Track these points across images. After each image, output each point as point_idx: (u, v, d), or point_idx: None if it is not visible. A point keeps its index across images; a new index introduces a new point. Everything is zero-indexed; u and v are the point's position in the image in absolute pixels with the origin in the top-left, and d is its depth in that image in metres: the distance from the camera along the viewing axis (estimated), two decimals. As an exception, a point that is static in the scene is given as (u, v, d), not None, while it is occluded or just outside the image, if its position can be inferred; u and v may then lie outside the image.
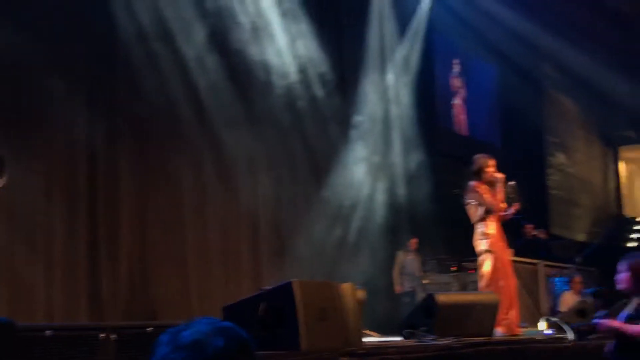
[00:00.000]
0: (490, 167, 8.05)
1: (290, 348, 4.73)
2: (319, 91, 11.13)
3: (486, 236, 7.94)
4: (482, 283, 8.01)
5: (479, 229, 8.01)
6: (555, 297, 12.11)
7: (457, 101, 16.11)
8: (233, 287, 9.51)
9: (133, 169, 8.67)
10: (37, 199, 7.54)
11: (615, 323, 5.20)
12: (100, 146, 8.26)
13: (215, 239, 9.58)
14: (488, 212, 7.96)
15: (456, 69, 16.13)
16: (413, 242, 11.88)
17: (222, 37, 9.67)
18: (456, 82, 16.12)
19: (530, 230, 13.76)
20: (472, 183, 8.05)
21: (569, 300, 11.61)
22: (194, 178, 9.39)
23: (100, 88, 8.41)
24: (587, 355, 7.75)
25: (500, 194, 8.01)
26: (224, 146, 9.66)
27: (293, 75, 10.66)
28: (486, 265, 7.95)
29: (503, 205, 8.07)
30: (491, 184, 8.02)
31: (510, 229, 12.79)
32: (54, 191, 7.77)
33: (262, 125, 10.39)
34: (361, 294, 5.99)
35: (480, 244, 8.00)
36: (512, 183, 8.20)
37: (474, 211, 8.02)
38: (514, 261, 10.89)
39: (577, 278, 12.02)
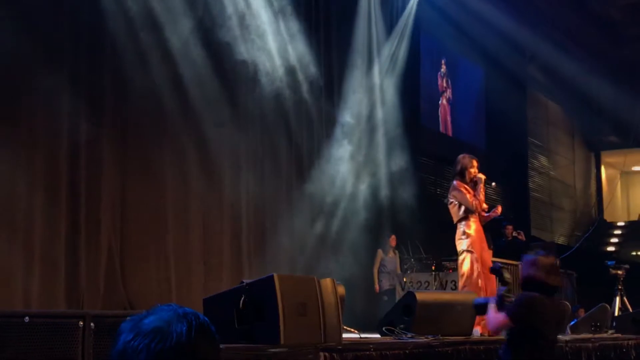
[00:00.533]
0: (474, 167, 8.11)
1: (269, 342, 4.72)
2: (304, 89, 11.13)
3: (466, 236, 8.00)
4: (461, 282, 8.07)
5: (460, 228, 8.07)
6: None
7: (443, 102, 16.15)
8: (213, 279, 9.48)
9: (115, 160, 8.63)
10: (17, 187, 7.48)
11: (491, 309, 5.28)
12: (82, 137, 8.20)
13: (197, 232, 9.55)
14: (469, 212, 8.01)
15: (443, 69, 16.17)
16: (392, 239, 11.93)
17: (209, 31, 9.64)
18: (442, 83, 16.17)
19: (510, 231, 13.83)
20: (455, 182, 8.11)
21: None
22: (177, 171, 9.35)
23: (84, 78, 8.35)
24: (564, 357, 7.80)
25: (482, 194, 8.08)
26: (208, 141, 9.64)
27: (279, 72, 10.64)
28: (465, 264, 8.01)
29: (485, 205, 8.14)
30: (474, 184, 8.08)
31: (492, 230, 12.89)
32: (34, 180, 7.70)
33: (247, 121, 10.38)
34: (342, 289, 5.98)
35: (461, 244, 8.06)
36: (494, 184, 8.29)
37: (456, 211, 8.07)
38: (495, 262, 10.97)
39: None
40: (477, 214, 8.12)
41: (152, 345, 1.62)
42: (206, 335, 1.69)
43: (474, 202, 7.96)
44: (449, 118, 16.28)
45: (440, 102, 16.11)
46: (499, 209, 8.37)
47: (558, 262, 5.27)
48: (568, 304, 10.03)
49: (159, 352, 1.61)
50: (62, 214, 7.89)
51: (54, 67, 7.90)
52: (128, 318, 1.68)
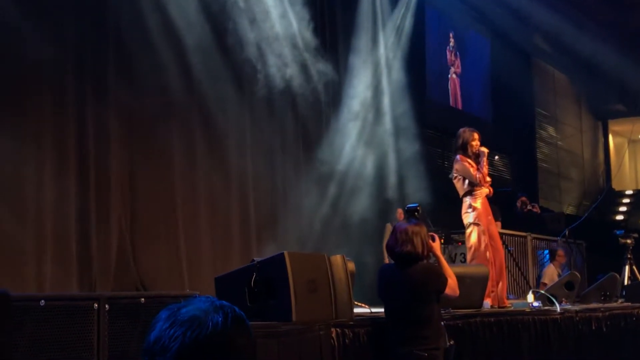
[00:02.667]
0: (475, 141, 8.13)
1: (281, 319, 4.76)
2: (310, 65, 11.09)
3: (472, 209, 8.04)
4: (469, 255, 8.12)
5: (466, 202, 8.12)
6: (541, 269, 12.23)
7: (452, 75, 16.10)
8: (223, 258, 9.52)
9: (123, 140, 8.63)
10: (26, 170, 7.51)
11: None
12: (89, 117, 8.21)
13: (205, 211, 9.57)
14: (473, 185, 8.05)
15: (451, 43, 16.10)
16: (400, 213, 11.95)
17: (216, 10, 9.60)
18: (451, 56, 16.11)
19: (524, 202, 13.83)
20: (458, 156, 8.15)
21: (551, 273, 11.73)
22: (184, 150, 9.36)
23: (90, 54, 8.34)
24: (574, 327, 7.85)
25: (486, 167, 8.09)
26: (215, 119, 9.63)
27: (285, 50, 10.60)
28: (473, 237, 8.06)
29: (488, 178, 8.17)
30: (476, 157, 8.10)
31: (503, 203, 12.90)
32: (42, 162, 7.72)
33: (253, 99, 10.35)
34: (351, 265, 6.02)
35: (467, 217, 8.12)
36: (497, 157, 8.31)
37: (461, 185, 8.11)
38: (503, 234, 11.00)
39: (560, 251, 12.14)
40: (481, 187, 8.15)
41: (188, 333, 1.65)
42: (242, 327, 1.72)
43: (477, 175, 7.99)
44: (458, 91, 16.23)
45: (449, 75, 16.07)
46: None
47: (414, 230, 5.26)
48: (577, 273, 10.06)
49: (195, 340, 1.65)
50: (71, 196, 7.91)
51: (59, 46, 7.90)
52: (167, 306, 1.72)
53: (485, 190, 8.12)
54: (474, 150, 8.11)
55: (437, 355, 5.06)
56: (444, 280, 5.20)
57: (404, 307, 5.14)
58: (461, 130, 8.33)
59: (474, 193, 8.06)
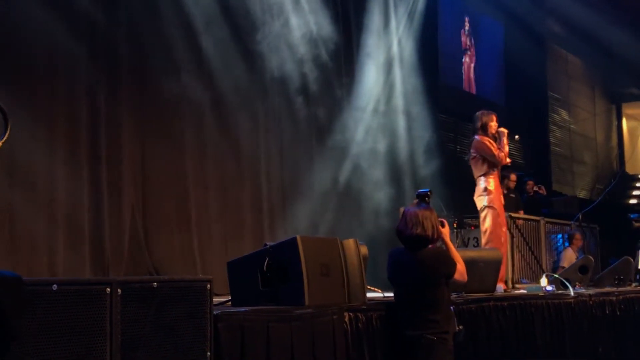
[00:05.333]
0: (494, 122, 8.21)
1: (294, 303, 4.75)
2: (322, 48, 11.04)
3: (487, 192, 8.06)
4: (484, 238, 8.11)
5: (481, 185, 8.13)
6: (557, 253, 12.19)
7: (467, 59, 16.01)
8: (235, 243, 9.52)
9: (135, 126, 8.63)
10: (38, 154, 7.51)
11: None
12: (102, 104, 8.21)
13: (217, 195, 9.57)
14: (492, 167, 8.06)
15: (466, 27, 16.01)
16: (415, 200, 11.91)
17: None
18: (466, 40, 16.02)
19: (531, 186, 13.80)
20: (478, 137, 8.14)
21: (570, 256, 11.70)
22: (195, 133, 9.35)
23: (103, 42, 8.32)
24: (587, 311, 7.81)
25: (506, 147, 8.14)
26: (226, 102, 9.61)
27: (296, 29, 10.56)
28: (487, 220, 8.07)
29: (508, 160, 8.22)
30: (496, 138, 8.13)
31: (516, 187, 12.84)
32: (54, 146, 7.73)
33: (265, 81, 10.32)
34: (364, 249, 6.00)
35: (482, 200, 8.12)
36: (517, 137, 8.36)
37: (479, 165, 8.12)
38: (516, 218, 10.96)
39: (578, 235, 12.10)
40: (497, 171, 8.16)
41: None
42: (6, 287, 1.72)
43: (500, 155, 8.02)
44: (472, 76, 16.15)
45: (463, 59, 15.98)
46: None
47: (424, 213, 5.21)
48: (591, 257, 10.01)
49: None
50: (83, 183, 7.92)
51: (72, 35, 7.88)
52: None
53: (497, 172, 8.14)
54: (493, 132, 8.16)
55: (446, 339, 5.05)
56: (453, 265, 5.19)
57: (413, 290, 5.14)
58: (479, 112, 8.38)
59: (489, 175, 8.07)
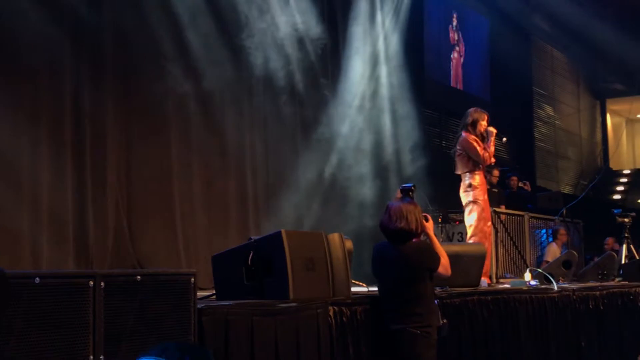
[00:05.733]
0: (484, 121, 8.25)
1: (278, 297, 4.75)
2: (307, 38, 11.02)
3: (472, 187, 8.10)
4: (469, 234, 8.15)
5: (465, 180, 8.17)
6: (541, 248, 12.25)
7: (455, 55, 16.03)
8: (220, 237, 9.50)
9: (120, 118, 8.59)
10: (22, 147, 7.46)
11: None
12: (86, 96, 8.16)
13: (202, 189, 9.55)
14: (476, 164, 8.10)
15: (454, 23, 16.03)
16: (398, 192, 11.92)
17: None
18: (454, 36, 16.04)
19: (515, 182, 13.85)
20: (465, 134, 8.19)
21: (554, 251, 11.76)
22: (180, 127, 9.32)
23: (87, 32, 8.27)
24: (571, 305, 7.86)
25: (492, 147, 8.18)
26: (211, 96, 9.58)
27: (282, 27, 10.54)
28: (472, 216, 8.12)
29: (493, 160, 8.26)
30: (484, 137, 8.18)
31: (500, 182, 12.90)
32: (38, 139, 7.68)
33: (250, 75, 10.30)
34: (349, 243, 6.01)
35: (467, 196, 8.17)
36: (504, 139, 8.40)
37: (465, 162, 8.16)
38: (500, 213, 11.01)
39: (562, 230, 12.17)
40: (483, 167, 8.21)
41: None
42: None
43: (484, 155, 8.04)
44: (460, 71, 16.18)
45: (451, 55, 16.00)
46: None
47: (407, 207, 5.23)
48: (575, 252, 10.07)
49: None
50: (67, 176, 7.88)
51: (56, 26, 7.83)
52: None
53: (482, 169, 8.21)
54: (482, 130, 8.20)
55: (429, 333, 5.07)
56: (437, 259, 5.20)
57: (397, 284, 5.16)
58: (471, 109, 8.44)
59: (474, 171, 8.11)
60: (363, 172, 11.87)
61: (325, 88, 11.71)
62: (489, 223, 8.40)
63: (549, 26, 20.12)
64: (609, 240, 13.51)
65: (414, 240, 5.21)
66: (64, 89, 8.00)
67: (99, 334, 3.53)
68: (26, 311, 3.27)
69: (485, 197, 8.24)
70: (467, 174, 8.15)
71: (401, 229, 5.12)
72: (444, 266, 5.24)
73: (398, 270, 5.14)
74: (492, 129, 8.23)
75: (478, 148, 8.08)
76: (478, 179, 8.16)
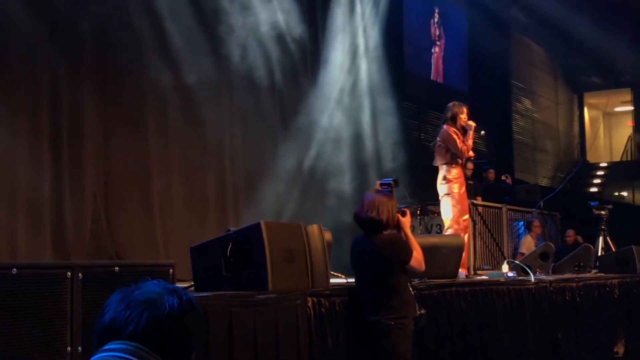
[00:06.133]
0: (464, 114, 8.34)
1: (257, 288, 4.75)
2: (287, 30, 10.99)
3: (447, 180, 8.19)
4: (446, 226, 8.22)
5: (442, 172, 8.26)
6: (518, 240, 12.33)
7: (436, 49, 16.07)
8: (199, 228, 9.47)
9: (98, 109, 8.53)
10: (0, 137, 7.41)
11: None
12: (63, 87, 8.10)
13: (181, 180, 9.51)
14: (454, 157, 8.17)
15: (436, 18, 16.06)
16: (377, 184, 11.94)
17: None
18: (435, 31, 16.07)
19: (492, 175, 13.92)
20: (445, 127, 8.28)
21: (529, 243, 11.84)
22: (159, 118, 9.27)
23: (64, 24, 8.20)
24: (548, 297, 7.92)
25: (471, 140, 8.25)
26: (190, 87, 9.53)
27: (261, 14, 10.50)
28: (447, 208, 8.20)
29: (471, 153, 8.34)
30: (463, 130, 8.26)
31: (474, 175, 12.96)
32: (16, 130, 7.61)
33: (229, 67, 10.25)
34: (328, 235, 6.01)
35: (442, 188, 8.26)
36: (482, 133, 8.47)
37: (443, 154, 8.24)
38: (478, 205, 11.06)
39: (536, 222, 12.25)
40: (460, 160, 8.28)
41: (144, 315, 1.67)
42: (194, 310, 1.75)
43: (462, 147, 8.12)
44: (440, 65, 16.22)
45: (433, 50, 16.04)
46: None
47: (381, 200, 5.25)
48: (552, 244, 10.14)
49: (151, 322, 1.67)
50: (44, 166, 7.83)
51: (33, 18, 7.75)
52: (118, 289, 1.74)
53: (460, 162, 8.28)
54: (462, 124, 8.27)
55: (405, 324, 5.08)
56: (408, 252, 5.18)
57: (370, 276, 5.18)
58: (451, 103, 8.57)
59: (451, 164, 8.18)
60: (342, 164, 11.89)
61: (304, 80, 11.71)
62: (466, 216, 8.45)
63: (527, 20, 20.21)
64: (570, 233, 13.60)
65: (387, 232, 5.21)
66: (42, 79, 7.94)
67: (76, 325, 3.52)
68: (3, 302, 3.25)
69: (462, 190, 8.29)
70: (444, 166, 8.23)
71: (371, 218, 5.14)
72: (417, 260, 5.22)
73: (370, 262, 5.17)
74: (471, 123, 8.32)
75: (457, 140, 8.16)
76: (454, 172, 8.22)
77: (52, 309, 3.44)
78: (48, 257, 7.56)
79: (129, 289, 1.72)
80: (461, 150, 8.15)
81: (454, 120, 8.32)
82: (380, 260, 5.13)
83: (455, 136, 8.19)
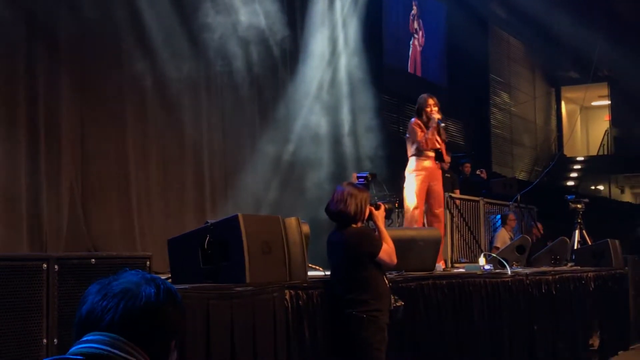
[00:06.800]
0: (429, 107, 8.33)
1: (235, 281, 4.74)
2: (266, 24, 10.97)
3: (409, 172, 8.27)
4: (407, 216, 8.28)
5: (408, 165, 8.34)
6: (494, 233, 12.39)
7: (415, 42, 16.10)
8: (176, 220, 9.46)
9: (74, 102, 8.48)
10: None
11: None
12: (40, 78, 8.04)
13: (158, 172, 9.48)
14: (420, 151, 8.25)
15: (414, 11, 16.08)
16: (354, 177, 11.97)
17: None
18: (414, 24, 16.09)
19: (468, 169, 13.97)
20: (412, 120, 8.38)
21: (503, 237, 11.91)
22: (137, 110, 9.24)
23: (42, 13, 8.13)
24: (524, 290, 7.97)
25: (433, 132, 8.22)
26: (168, 78, 9.50)
27: (240, 10, 10.47)
28: (406, 201, 8.28)
29: (438, 145, 8.30)
30: (428, 122, 8.30)
31: (452, 168, 12.99)
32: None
33: (208, 59, 10.23)
34: (306, 228, 6.01)
35: (406, 179, 8.32)
36: (443, 124, 8.47)
37: (409, 146, 8.36)
38: (455, 198, 11.10)
39: (512, 215, 12.32)
40: (427, 152, 8.29)
41: (121, 304, 1.66)
42: (173, 299, 1.75)
43: (422, 140, 8.16)
44: (419, 58, 16.25)
45: (411, 42, 16.06)
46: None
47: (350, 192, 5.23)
48: (528, 237, 10.20)
49: (128, 312, 1.66)
50: (21, 158, 7.77)
51: (10, 5, 7.69)
52: (97, 280, 1.72)
53: (431, 154, 8.27)
54: (428, 115, 8.30)
55: (377, 317, 5.07)
56: (377, 245, 5.16)
57: (341, 269, 5.19)
58: (420, 96, 8.53)
59: (417, 156, 8.27)
60: (321, 157, 11.90)
61: (283, 73, 11.69)
62: (417, 211, 8.33)
63: (506, 14, 20.29)
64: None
65: (356, 225, 5.20)
66: (18, 70, 7.88)
67: (52, 317, 3.50)
68: (-22, 294, 3.23)
69: (423, 185, 8.25)
70: (411, 158, 8.34)
71: (339, 211, 5.15)
72: (387, 253, 5.19)
73: (340, 255, 5.18)
74: (435, 116, 8.28)
75: (418, 132, 8.22)
76: (417, 164, 8.29)
77: (27, 301, 3.42)
78: (24, 249, 7.51)
79: (107, 280, 1.72)
80: (420, 141, 8.21)
81: (419, 112, 8.38)
82: (349, 254, 5.13)
83: (417, 129, 8.27)
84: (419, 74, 16.25)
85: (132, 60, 8.99)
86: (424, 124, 8.31)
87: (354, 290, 5.09)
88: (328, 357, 5.21)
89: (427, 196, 8.34)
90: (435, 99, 8.45)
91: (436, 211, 8.41)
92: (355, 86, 13.03)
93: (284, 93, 11.61)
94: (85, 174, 8.53)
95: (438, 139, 8.32)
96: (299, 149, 11.61)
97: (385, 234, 5.35)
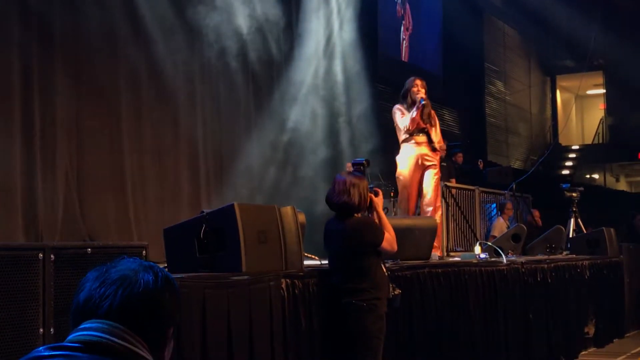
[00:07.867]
0: (416, 87, 8.07)
1: (231, 270, 4.74)
2: (261, 15, 10.94)
3: (399, 160, 8.17)
4: (400, 203, 8.25)
5: (400, 152, 8.21)
6: (491, 222, 12.41)
7: (403, 29, 16.08)
8: (172, 210, 9.45)
9: (69, 90, 8.45)
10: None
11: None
12: (35, 67, 8.01)
13: (154, 162, 9.47)
14: (409, 134, 8.04)
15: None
16: (348, 166, 11.96)
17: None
18: (400, 10, 16.06)
19: (460, 159, 13.97)
20: (396, 105, 8.17)
21: (501, 226, 11.93)
22: (132, 98, 9.21)
23: (36, 3, 8.10)
24: (519, 278, 7.99)
25: (415, 113, 7.98)
26: (163, 67, 9.48)
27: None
28: (397, 190, 8.24)
29: (422, 124, 8.05)
30: (413, 104, 8.07)
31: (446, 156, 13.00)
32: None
33: (202, 48, 10.20)
34: (302, 217, 6.01)
35: (398, 165, 8.23)
36: (424, 102, 8.01)
37: (398, 134, 8.22)
38: (451, 187, 11.11)
39: (509, 204, 12.34)
40: (418, 137, 8.11)
41: (119, 292, 1.65)
42: (171, 287, 1.74)
43: (405, 123, 7.99)
44: (406, 45, 16.21)
45: (401, 29, 16.04)
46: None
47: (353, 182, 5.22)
48: (523, 225, 10.22)
49: (126, 298, 1.65)
50: (16, 144, 7.75)
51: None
52: (94, 268, 1.72)
53: (421, 139, 8.08)
54: (413, 97, 8.08)
55: (377, 305, 5.09)
56: (379, 234, 5.18)
57: (341, 258, 5.19)
58: (408, 79, 8.36)
59: (405, 142, 8.10)
60: (316, 146, 11.88)
61: (278, 62, 11.67)
62: (412, 202, 8.28)
63: (501, 3, 20.26)
64: (535, 213, 13.72)
65: (358, 215, 5.22)
66: (13, 60, 7.84)
67: (48, 306, 3.50)
68: (-26, 284, 3.22)
69: (409, 173, 8.14)
70: (403, 143, 8.17)
71: (344, 202, 5.15)
72: (389, 241, 5.22)
73: (341, 244, 5.18)
74: (420, 96, 7.96)
75: (397, 115, 8.05)
76: (404, 149, 8.13)
77: (23, 290, 3.41)
78: (20, 239, 7.50)
79: (104, 267, 1.71)
80: (402, 126, 8.03)
81: (404, 96, 8.15)
82: (351, 243, 5.14)
83: (399, 112, 8.07)
84: (406, 60, 16.18)
85: (127, 51, 8.96)
86: (408, 107, 8.14)
87: (353, 279, 5.10)
88: (324, 346, 5.22)
89: (421, 183, 8.21)
90: (423, 81, 8.21)
91: (431, 199, 8.28)
92: (350, 75, 13.01)
93: (279, 82, 11.59)
94: (80, 164, 8.51)
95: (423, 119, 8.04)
96: (294, 138, 11.60)
97: (386, 220, 5.37)
